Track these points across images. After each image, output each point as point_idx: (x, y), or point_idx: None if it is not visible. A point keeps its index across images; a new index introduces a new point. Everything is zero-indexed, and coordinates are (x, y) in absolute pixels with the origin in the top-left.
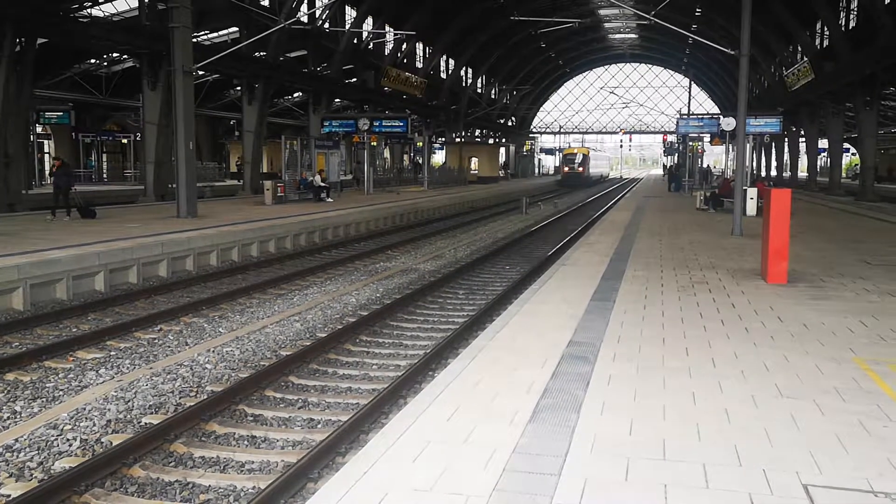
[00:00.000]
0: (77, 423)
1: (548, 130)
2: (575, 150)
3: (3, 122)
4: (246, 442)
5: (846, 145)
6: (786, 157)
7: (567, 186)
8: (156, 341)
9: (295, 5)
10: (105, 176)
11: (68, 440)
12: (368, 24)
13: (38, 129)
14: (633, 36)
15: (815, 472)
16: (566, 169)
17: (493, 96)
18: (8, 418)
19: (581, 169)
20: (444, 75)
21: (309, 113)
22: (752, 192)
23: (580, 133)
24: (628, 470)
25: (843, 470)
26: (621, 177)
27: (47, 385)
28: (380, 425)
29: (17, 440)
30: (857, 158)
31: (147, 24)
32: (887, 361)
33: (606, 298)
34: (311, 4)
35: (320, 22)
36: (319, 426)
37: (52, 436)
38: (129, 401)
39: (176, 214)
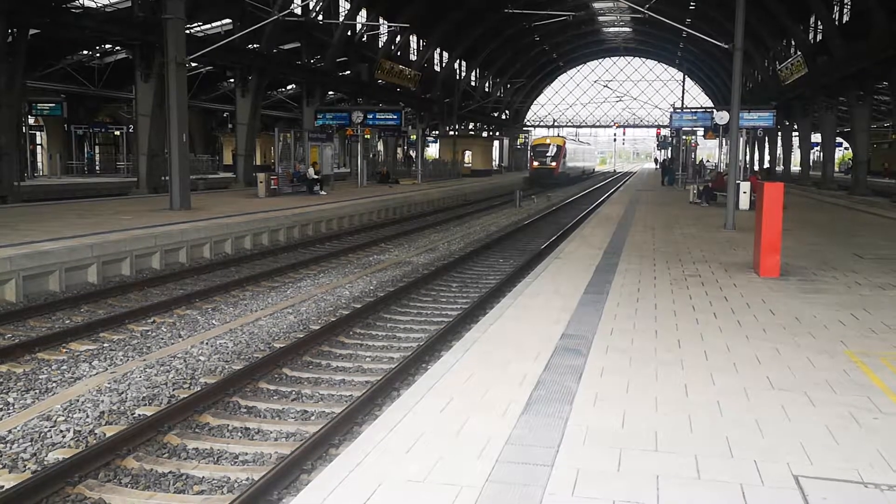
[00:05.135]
0: (70, 415)
1: (542, 124)
2: (547, 141)
3: None
4: (239, 433)
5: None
6: (779, 151)
7: (538, 185)
8: (149, 333)
9: None
10: (98, 168)
11: (62, 431)
12: (362, 17)
13: (31, 121)
14: (627, 29)
15: (806, 463)
16: (536, 163)
17: (486, 89)
18: (1, 410)
19: (554, 164)
20: (437, 68)
21: (302, 105)
22: (744, 186)
23: (574, 126)
24: (621, 461)
25: (834, 461)
26: (615, 171)
27: (40, 377)
28: (373, 417)
29: (10, 431)
30: (849, 153)
31: (140, 15)
32: (878, 354)
33: (599, 291)
34: None
35: (314, 14)
36: (313, 418)
37: (46, 427)
38: (122, 392)
39: (169, 207)
